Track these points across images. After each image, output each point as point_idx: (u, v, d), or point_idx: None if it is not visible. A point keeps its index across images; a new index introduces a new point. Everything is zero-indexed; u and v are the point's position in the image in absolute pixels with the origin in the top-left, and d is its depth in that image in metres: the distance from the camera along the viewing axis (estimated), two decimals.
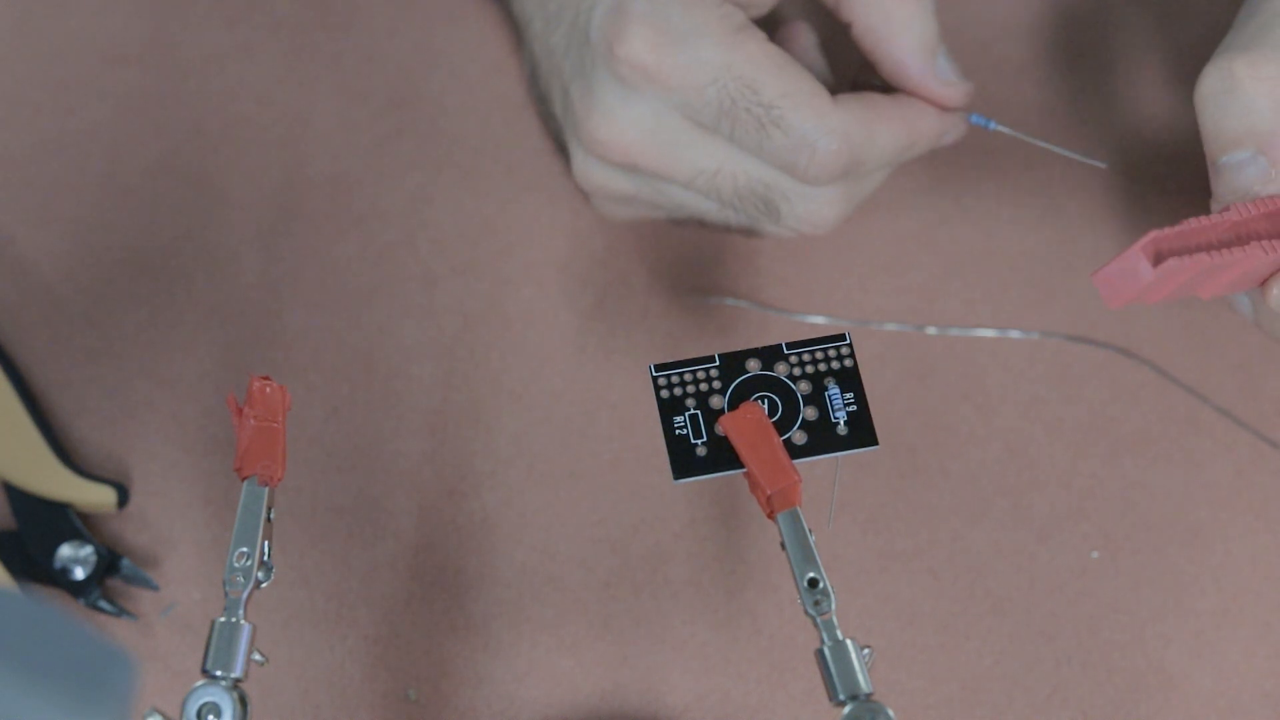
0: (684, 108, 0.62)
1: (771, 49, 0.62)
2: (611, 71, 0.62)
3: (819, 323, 0.69)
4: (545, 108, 0.69)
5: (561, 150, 0.69)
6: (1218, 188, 0.58)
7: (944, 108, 0.65)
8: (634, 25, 0.61)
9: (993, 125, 0.65)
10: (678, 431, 0.56)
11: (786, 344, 0.57)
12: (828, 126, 0.61)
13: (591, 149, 0.64)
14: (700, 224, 0.67)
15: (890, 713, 0.51)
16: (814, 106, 0.61)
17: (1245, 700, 0.64)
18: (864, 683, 0.52)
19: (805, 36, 0.67)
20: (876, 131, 0.63)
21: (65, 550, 0.64)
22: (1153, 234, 0.55)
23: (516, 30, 0.72)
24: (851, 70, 0.67)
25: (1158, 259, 0.55)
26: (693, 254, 0.70)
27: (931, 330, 0.69)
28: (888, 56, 0.65)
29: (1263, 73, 0.58)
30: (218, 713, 0.52)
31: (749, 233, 0.67)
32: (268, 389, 0.56)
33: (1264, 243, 0.56)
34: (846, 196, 0.64)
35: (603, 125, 0.63)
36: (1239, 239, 0.57)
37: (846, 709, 0.51)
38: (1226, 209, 0.57)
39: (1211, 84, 0.58)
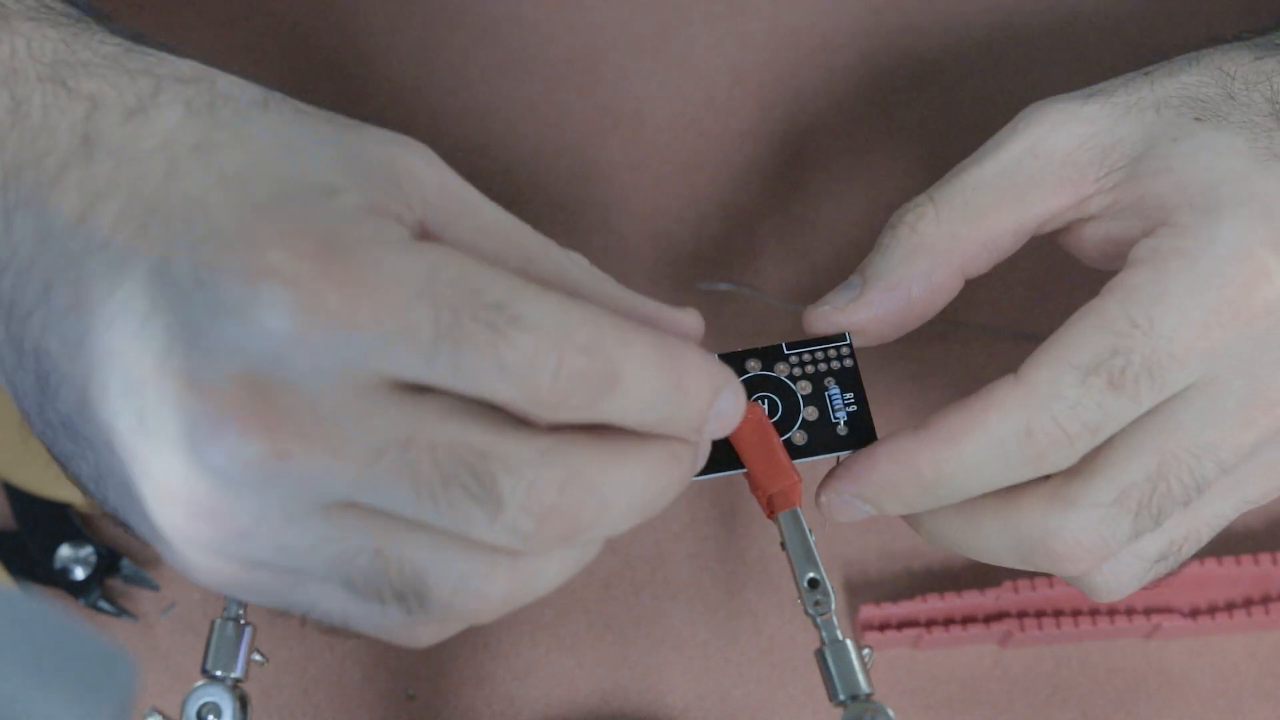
0: None
1: None
2: None
3: None
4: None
5: None
6: None
7: None
8: None
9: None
10: None
11: (786, 344, 0.57)
12: None
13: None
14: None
15: (890, 713, 0.51)
16: None
17: (1245, 700, 0.63)
18: (864, 683, 0.52)
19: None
20: None
21: (65, 550, 0.64)
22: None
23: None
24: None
25: None
26: (694, 253, 0.70)
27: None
28: None
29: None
30: (218, 713, 0.52)
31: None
32: None
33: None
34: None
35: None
36: None
37: (846, 709, 0.51)
38: None
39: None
